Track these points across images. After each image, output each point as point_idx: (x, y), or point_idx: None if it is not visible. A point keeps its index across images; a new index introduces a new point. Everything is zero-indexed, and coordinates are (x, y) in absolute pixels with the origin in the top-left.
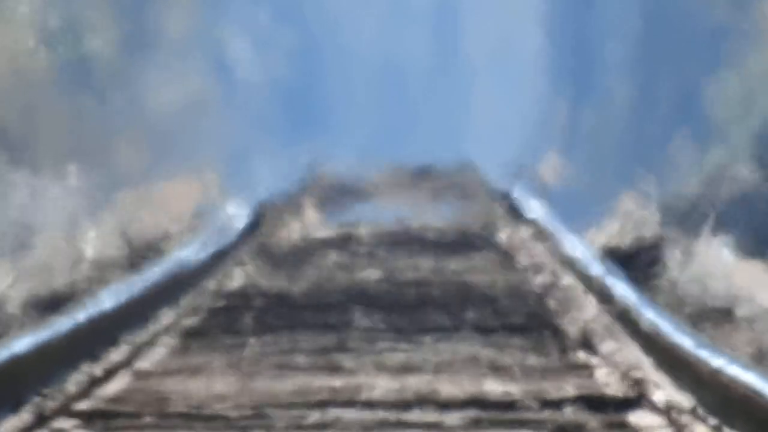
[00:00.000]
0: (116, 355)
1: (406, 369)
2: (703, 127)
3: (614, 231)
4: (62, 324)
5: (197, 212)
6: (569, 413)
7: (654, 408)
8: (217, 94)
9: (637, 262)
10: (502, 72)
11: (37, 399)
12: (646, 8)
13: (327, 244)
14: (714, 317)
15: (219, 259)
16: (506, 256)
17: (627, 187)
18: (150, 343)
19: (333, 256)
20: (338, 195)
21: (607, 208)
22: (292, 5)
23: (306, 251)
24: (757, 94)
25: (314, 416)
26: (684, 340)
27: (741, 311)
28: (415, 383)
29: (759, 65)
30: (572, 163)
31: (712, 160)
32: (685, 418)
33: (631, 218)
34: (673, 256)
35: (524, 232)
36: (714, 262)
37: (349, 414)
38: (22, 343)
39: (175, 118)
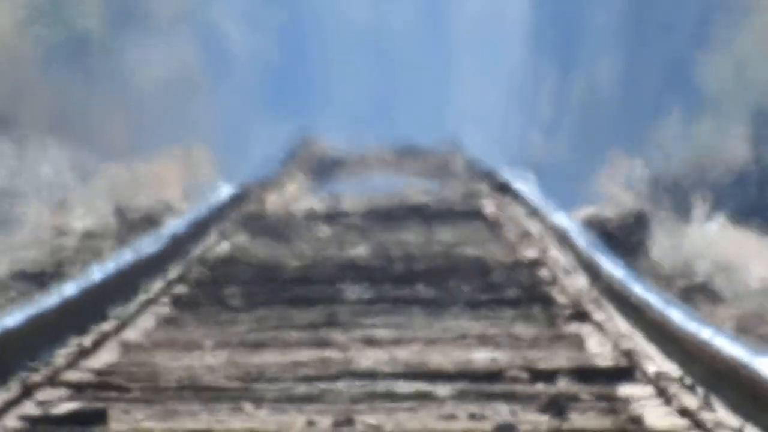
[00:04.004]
0: (105, 327)
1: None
2: (695, 101)
3: (601, 206)
4: (51, 298)
5: (187, 185)
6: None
7: (644, 378)
8: (206, 70)
9: (625, 236)
10: (489, 46)
11: (24, 372)
12: None
13: (314, 215)
14: (702, 290)
15: (206, 230)
16: (493, 230)
17: (615, 161)
18: (139, 315)
19: (321, 228)
20: (326, 169)
21: (595, 183)
22: None
23: (294, 222)
24: (749, 69)
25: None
26: (672, 313)
27: (729, 285)
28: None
29: (750, 40)
30: (560, 137)
31: (703, 135)
32: (673, 388)
33: (619, 193)
34: (661, 231)
35: (511, 206)
36: (703, 237)
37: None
38: (12, 318)
39: (165, 93)
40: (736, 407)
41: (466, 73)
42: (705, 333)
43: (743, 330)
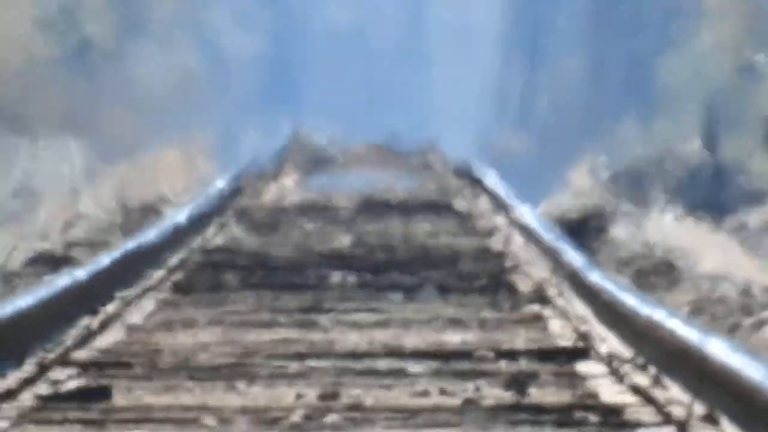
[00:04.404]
0: (110, 309)
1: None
2: (654, 99)
3: (565, 199)
4: (61, 283)
5: (187, 179)
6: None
7: (598, 358)
8: (204, 70)
9: (586, 228)
10: (462, 49)
11: (39, 352)
12: None
13: (304, 208)
14: (658, 276)
15: (204, 222)
16: (465, 222)
17: (578, 157)
18: (141, 298)
19: (310, 220)
20: (315, 164)
21: (559, 178)
22: None
23: (283, 214)
24: (704, 70)
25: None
26: (626, 297)
27: (683, 271)
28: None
29: (706, 43)
30: (529, 134)
31: (661, 131)
32: (626, 368)
33: (582, 187)
34: (621, 223)
35: (482, 201)
36: (660, 228)
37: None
38: (25, 301)
39: (166, 93)
40: (686, 385)
41: (442, 74)
42: (658, 314)
43: (698, 311)
